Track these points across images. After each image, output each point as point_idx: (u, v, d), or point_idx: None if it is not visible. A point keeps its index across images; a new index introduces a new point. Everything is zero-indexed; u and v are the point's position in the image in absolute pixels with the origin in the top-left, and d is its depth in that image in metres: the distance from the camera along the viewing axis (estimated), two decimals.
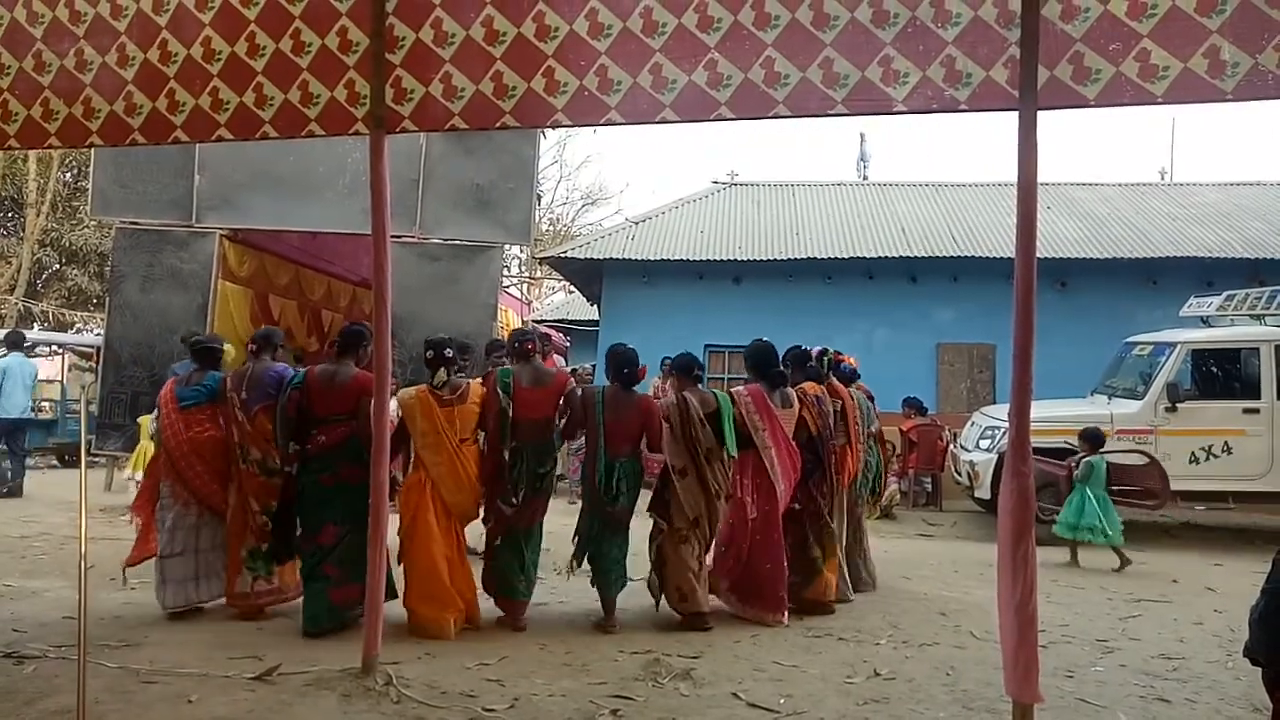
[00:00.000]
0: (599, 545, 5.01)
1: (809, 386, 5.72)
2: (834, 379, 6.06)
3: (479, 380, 5.27)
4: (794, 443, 5.34)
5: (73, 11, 4.09)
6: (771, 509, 5.20)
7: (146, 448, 9.43)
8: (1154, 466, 8.01)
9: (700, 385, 5.35)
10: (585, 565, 5.09)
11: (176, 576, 4.95)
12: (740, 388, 5.47)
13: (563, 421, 5.12)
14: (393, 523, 4.91)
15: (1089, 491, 7.35)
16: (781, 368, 5.58)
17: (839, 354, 6.41)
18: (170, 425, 5.07)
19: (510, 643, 4.63)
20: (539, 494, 4.98)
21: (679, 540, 5.04)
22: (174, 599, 4.93)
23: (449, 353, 4.86)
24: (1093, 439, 7.74)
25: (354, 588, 4.50)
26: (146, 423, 9.60)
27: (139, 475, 9.30)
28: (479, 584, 4.99)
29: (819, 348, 6.21)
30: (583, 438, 5.37)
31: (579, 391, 5.16)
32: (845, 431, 5.87)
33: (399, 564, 4.86)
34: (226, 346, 5.27)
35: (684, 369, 5.34)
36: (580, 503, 5.37)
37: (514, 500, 4.84)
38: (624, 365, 5.11)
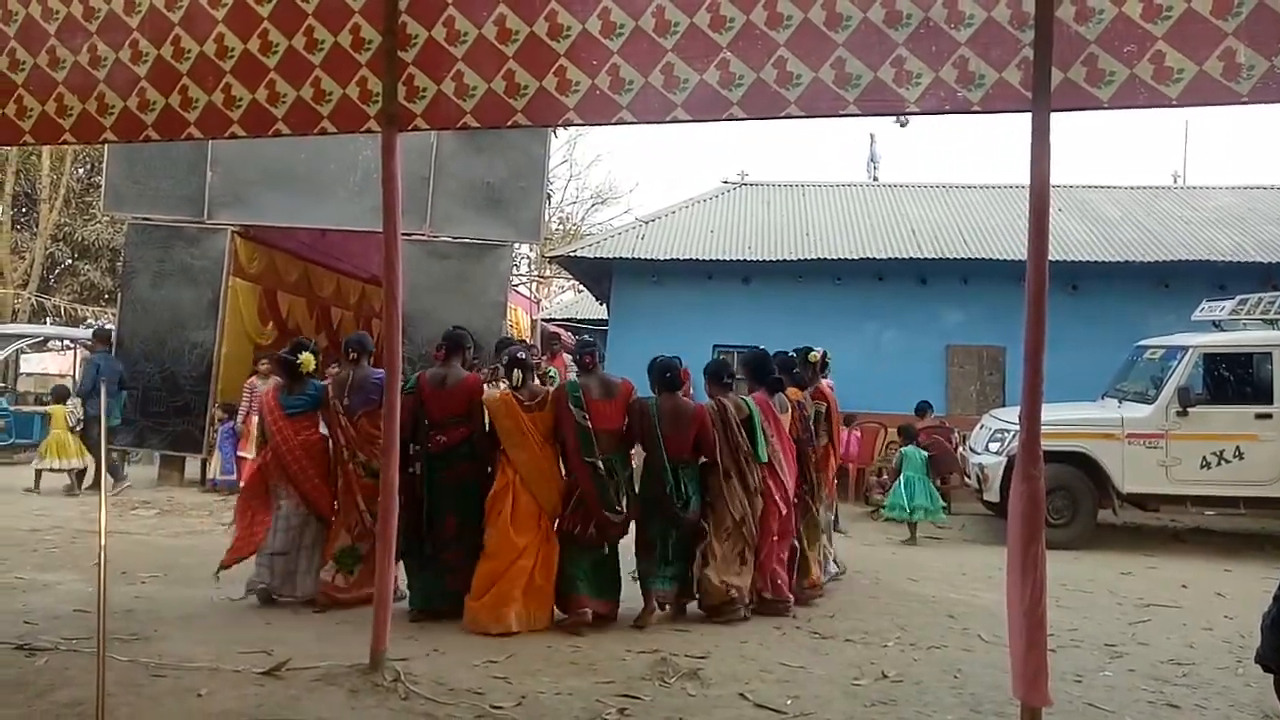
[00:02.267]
0: (665, 551, 5.11)
1: (792, 393, 5.96)
2: (821, 381, 6.44)
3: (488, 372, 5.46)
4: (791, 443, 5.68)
5: (87, 8, 4.11)
6: (784, 507, 5.45)
7: (61, 438, 9.53)
8: (949, 453, 9.64)
9: (731, 390, 5.54)
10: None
11: (280, 570, 5.23)
12: (748, 396, 5.64)
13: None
14: None
15: (913, 477, 8.63)
16: (777, 375, 5.83)
17: (813, 351, 6.71)
18: (279, 432, 5.37)
19: (517, 641, 4.64)
20: (633, 500, 5.11)
21: (724, 537, 5.19)
22: (295, 589, 5.23)
23: (522, 355, 5.19)
24: (906, 434, 9.26)
25: (466, 571, 4.93)
26: (60, 413, 9.71)
27: (53, 463, 9.45)
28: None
29: (820, 349, 6.52)
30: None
31: (637, 404, 5.25)
32: (829, 431, 6.30)
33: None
34: (304, 356, 5.46)
35: (715, 375, 5.56)
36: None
37: (620, 509, 4.94)
38: (665, 371, 5.27)
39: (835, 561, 6.45)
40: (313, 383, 5.52)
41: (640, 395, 5.28)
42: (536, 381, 5.40)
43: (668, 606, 5.19)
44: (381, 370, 5.23)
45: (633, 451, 5.32)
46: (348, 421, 5.30)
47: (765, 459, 5.35)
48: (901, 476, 8.72)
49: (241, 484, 5.96)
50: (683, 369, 5.38)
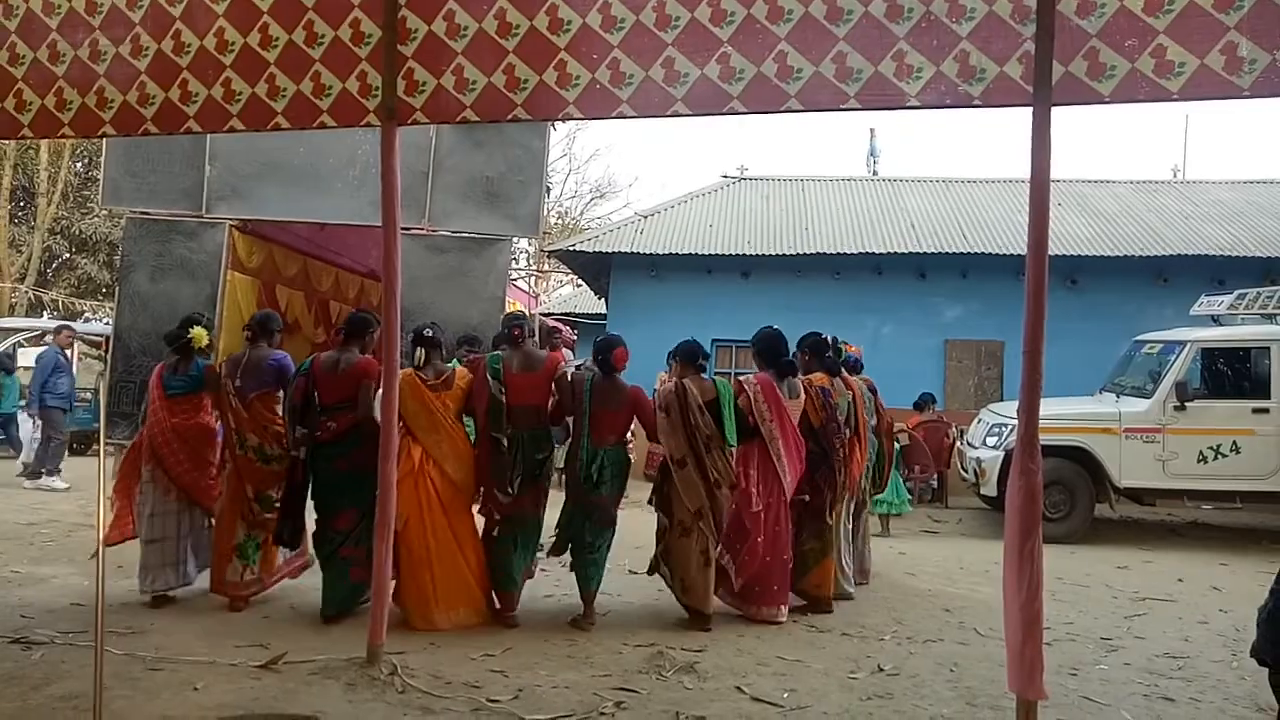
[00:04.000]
0: (580, 535, 4.92)
1: (817, 377, 5.60)
2: (844, 371, 5.97)
3: (465, 365, 5.27)
4: (799, 433, 5.25)
5: (89, 2, 4.11)
6: (777, 501, 5.12)
7: None
8: (917, 445, 9.93)
9: (703, 374, 5.22)
10: (568, 556, 5.05)
11: (153, 563, 4.94)
12: (749, 376, 5.37)
13: (550, 405, 5.04)
14: None
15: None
16: (791, 356, 5.46)
17: (846, 344, 6.32)
18: (154, 412, 5.06)
19: (514, 634, 4.64)
20: (536, 482, 4.90)
21: (681, 533, 4.97)
22: (151, 584, 4.92)
23: (429, 333, 4.91)
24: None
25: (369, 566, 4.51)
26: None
27: None
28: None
29: (830, 336, 6.07)
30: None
31: (569, 376, 5.05)
32: (853, 424, 5.74)
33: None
34: (195, 330, 5.18)
35: (688, 356, 5.23)
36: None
37: (510, 489, 4.76)
38: (600, 351, 5.04)
39: (868, 565, 6.21)
40: (197, 362, 5.18)
41: (579, 371, 5.10)
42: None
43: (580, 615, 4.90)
44: (281, 353, 5.18)
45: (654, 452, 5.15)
46: (239, 404, 4.97)
47: (734, 443, 4.99)
48: None
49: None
50: (619, 349, 5.03)
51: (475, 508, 5.02)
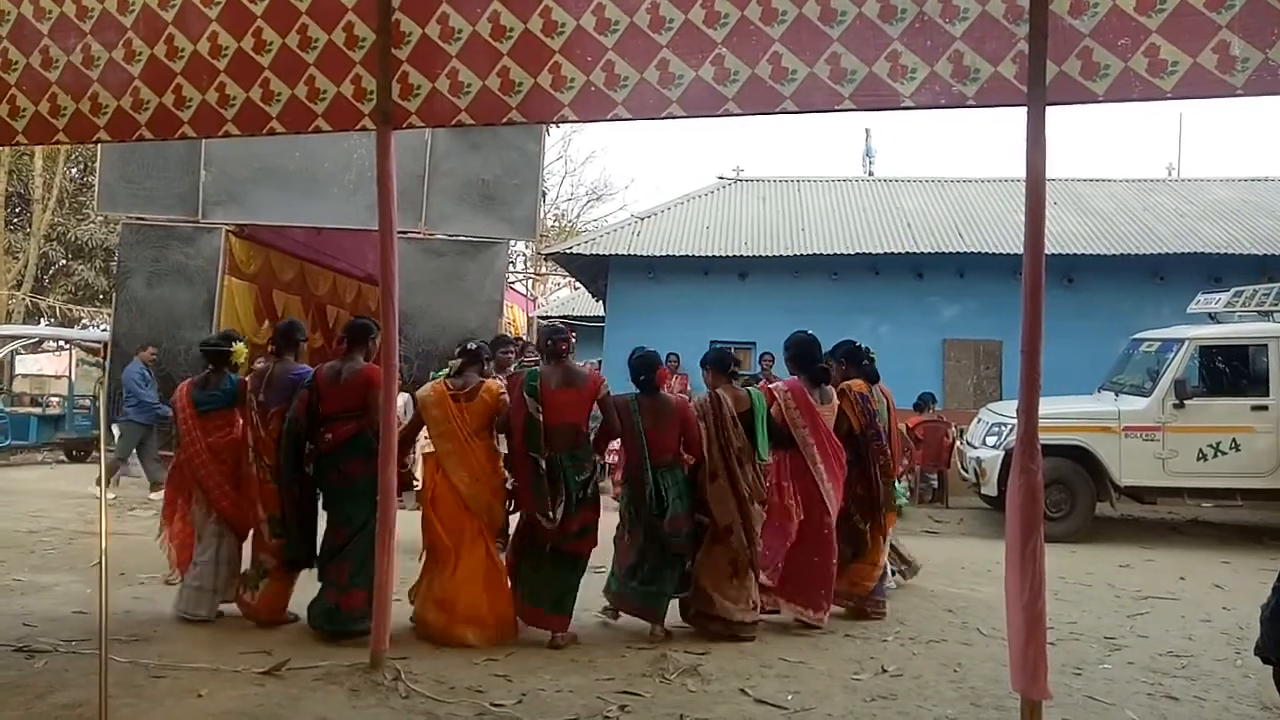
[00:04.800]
0: (654, 564, 4.70)
1: (855, 384, 5.46)
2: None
3: (497, 379, 5.14)
4: (836, 438, 5.13)
5: (80, 7, 4.10)
6: (819, 509, 4.99)
7: None
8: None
9: (736, 381, 5.10)
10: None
11: (203, 584, 4.79)
12: (779, 383, 5.27)
13: (594, 428, 4.83)
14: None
15: None
16: (824, 363, 5.34)
17: (870, 351, 6.08)
18: (187, 432, 4.91)
19: (517, 639, 4.63)
20: (584, 505, 4.63)
21: (713, 542, 4.80)
22: (191, 607, 4.77)
23: (472, 346, 4.89)
24: None
25: (358, 594, 4.35)
26: None
27: None
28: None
29: (863, 345, 5.88)
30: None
31: (619, 401, 4.83)
32: (888, 433, 5.61)
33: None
34: (237, 345, 5.13)
35: (719, 364, 5.07)
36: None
37: (551, 514, 4.48)
38: (640, 371, 4.86)
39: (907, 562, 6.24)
40: (230, 377, 5.03)
41: (620, 393, 4.93)
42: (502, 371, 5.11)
43: (656, 628, 4.71)
44: (305, 367, 4.95)
45: (612, 449, 4.92)
46: (259, 420, 4.78)
47: (765, 457, 4.89)
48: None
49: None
50: (661, 368, 4.92)
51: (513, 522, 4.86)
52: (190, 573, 4.86)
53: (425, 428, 4.82)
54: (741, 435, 4.83)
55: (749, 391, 5.02)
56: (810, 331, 5.44)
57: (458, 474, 4.60)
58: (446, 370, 5.13)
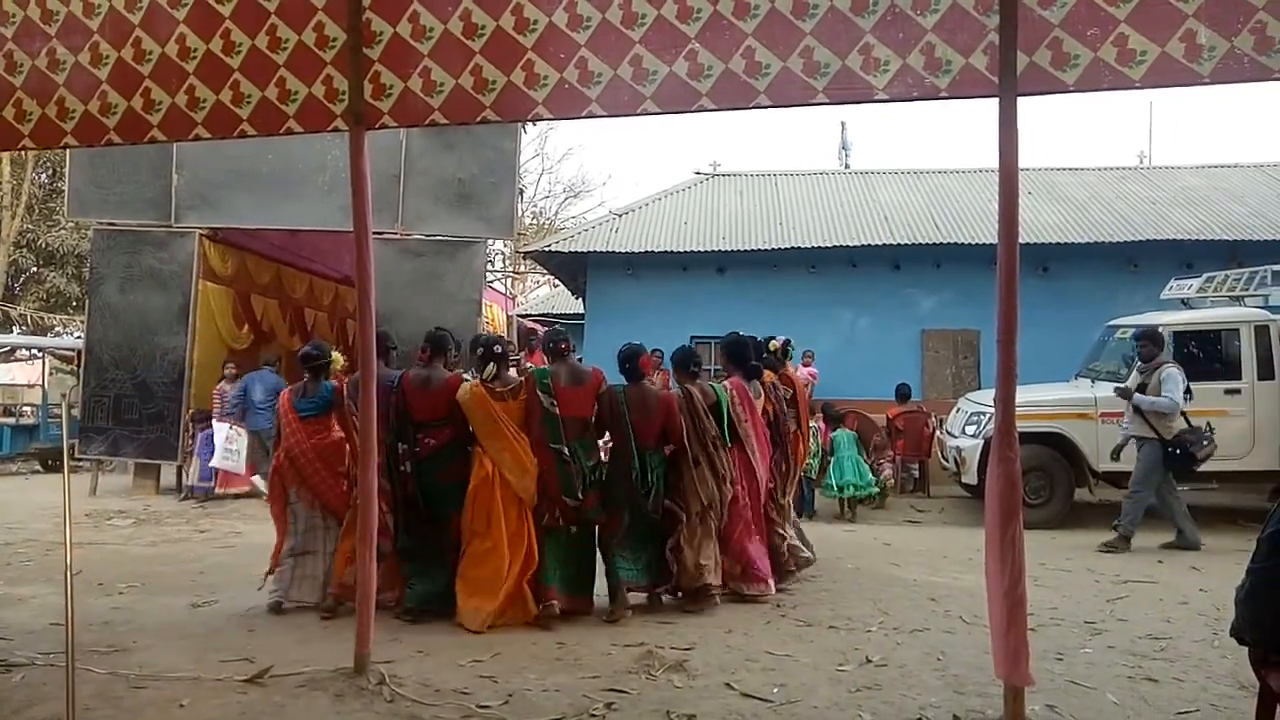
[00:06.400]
0: (636, 540, 5.19)
1: (766, 375, 6.05)
2: (789, 367, 6.58)
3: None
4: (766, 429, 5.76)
5: (44, 10, 4.03)
6: (754, 490, 5.55)
7: None
8: (876, 430, 10.29)
9: (699, 377, 5.58)
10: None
11: (309, 573, 5.22)
12: (724, 381, 5.66)
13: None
14: None
15: (842, 457, 9.11)
16: (754, 361, 5.91)
17: (774, 340, 6.79)
18: (293, 434, 5.36)
19: (502, 639, 4.62)
20: (595, 487, 5.09)
21: (698, 523, 5.22)
22: (308, 594, 5.18)
23: (498, 349, 5.15)
24: (834, 419, 9.62)
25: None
26: None
27: None
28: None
29: (783, 338, 6.65)
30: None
31: (607, 393, 5.25)
32: (796, 417, 6.32)
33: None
34: (334, 356, 5.56)
35: (682, 363, 5.59)
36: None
37: (579, 495, 4.97)
38: (625, 360, 5.29)
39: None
40: (326, 384, 5.50)
41: (611, 384, 5.31)
42: (512, 372, 5.41)
43: (644, 597, 5.24)
44: (396, 372, 5.34)
45: (601, 442, 5.33)
46: (358, 424, 5.19)
47: (730, 444, 5.39)
48: (833, 458, 9.20)
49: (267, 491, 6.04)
50: (644, 357, 5.40)
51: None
52: (298, 563, 5.22)
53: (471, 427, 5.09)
54: (714, 424, 5.34)
55: (713, 386, 5.53)
56: (741, 332, 6.12)
57: (512, 470, 4.95)
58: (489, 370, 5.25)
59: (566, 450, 4.96)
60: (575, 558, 5.12)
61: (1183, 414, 7.42)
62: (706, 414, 5.31)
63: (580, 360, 5.93)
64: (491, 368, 5.07)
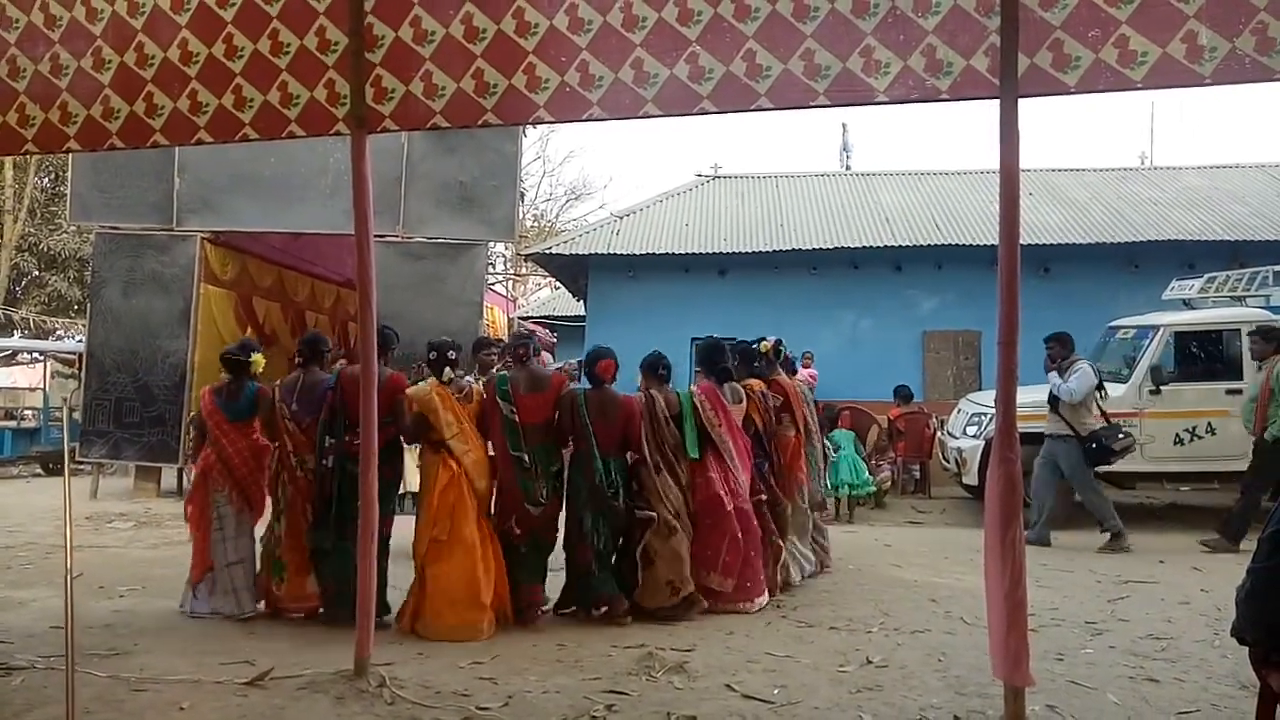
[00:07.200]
0: (599, 546, 5.06)
1: (753, 383, 5.88)
2: (781, 372, 6.29)
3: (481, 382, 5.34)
4: (745, 433, 5.55)
5: (47, 16, 4.04)
6: (742, 499, 5.34)
7: None
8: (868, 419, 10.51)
9: (667, 383, 5.46)
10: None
11: (239, 585, 5.10)
12: (694, 386, 5.58)
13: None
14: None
15: (844, 455, 9.15)
16: (728, 364, 5.74)
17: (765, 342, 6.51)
18: (224, 435, 5.21)
19: (503, 640, 4.63)
20: (556, 494, 5.08)
21: (669, 533, 5.08)
22: (250, 605, 5.10)
23: (452, 355, 5.05)
24: (829, 418, 9.45)
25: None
26: None
27: None
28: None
29: (774, 339, 6.39)
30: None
31: (567, 397, 5.17)
32: (793, 423, 6.09)
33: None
34: (255, 356, 5.38)
35: (650, 368, 5.48)
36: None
37: (541, 500, 4.94)
38: (587, 364, 5.27)
39: (812, 558, 6.28)
40: (250, 385, 5.33)
41: (573, 388, 5.28)
42: (469, 378, 5.30)
43: (607, 610, 5.02)
44: (331, 376, 5.21)
45: (566, 450, 5.23)
46: (295, 427, 5.10)
47: (696, 455, 5.24)
48: (837, 457, 9.18)
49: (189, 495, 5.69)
50: (605, 361, 5.22)
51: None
52: (230, 576, 5.08)
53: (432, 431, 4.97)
54: (675, 433, 5.27)
55: (679, 394, 5.42)
56: (716, 336, 6.01)
57: (476, 472, 4.89)
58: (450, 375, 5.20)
59: (527, 457, 4.93)
60: (534, 547, 5.05)
61: (1102, 411, 7.63)
62: (667, 421, 5.24)
63: (578, 364, 5.93)
64: (448, 372, 5.00)
